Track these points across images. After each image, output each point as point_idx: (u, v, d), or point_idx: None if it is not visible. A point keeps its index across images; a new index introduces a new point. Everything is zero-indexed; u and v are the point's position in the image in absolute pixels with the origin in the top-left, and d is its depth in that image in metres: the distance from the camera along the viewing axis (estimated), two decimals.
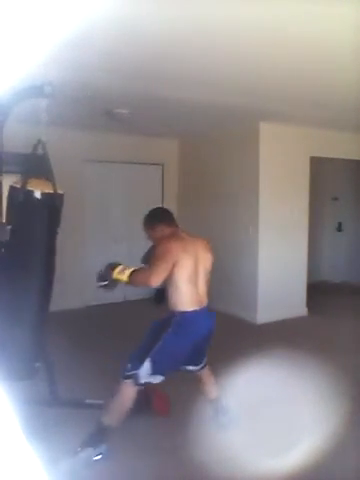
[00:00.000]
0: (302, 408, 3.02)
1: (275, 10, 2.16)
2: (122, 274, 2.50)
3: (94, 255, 5.97)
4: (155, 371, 2.46)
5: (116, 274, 2.52)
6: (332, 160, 6.14)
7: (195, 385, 2.89)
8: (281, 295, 5.37)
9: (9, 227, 2.65)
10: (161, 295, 6.00)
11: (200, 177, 6.32)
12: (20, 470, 0.91)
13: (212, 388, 2.87)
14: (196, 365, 2.78)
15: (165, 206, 6.78)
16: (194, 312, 2.54)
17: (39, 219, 2.66)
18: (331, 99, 3.99)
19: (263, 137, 5.17)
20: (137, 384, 2.48)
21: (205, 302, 2.64)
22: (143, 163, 6.45)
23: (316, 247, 6.86)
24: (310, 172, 5.60)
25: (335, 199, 7.69)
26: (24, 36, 2.35)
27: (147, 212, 2.74)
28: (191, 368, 2.77)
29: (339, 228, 7.77)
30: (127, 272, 2.49)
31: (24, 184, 2.57)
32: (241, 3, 2.08)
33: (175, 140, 6.68)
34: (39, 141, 2.65)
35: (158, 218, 2.69)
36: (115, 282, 2.58)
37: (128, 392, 2.50)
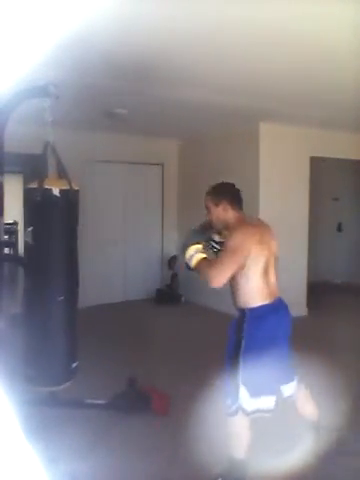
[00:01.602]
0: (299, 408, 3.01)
1: (275, 10, 2.15)
2: (192, 257, 2.20)
3: (94, 255, 5.98)
4: (254, 393, 2.13)
5: (188, 254, 2.22)
6: (332, 160, 6.14)
7: (195, 385, 2.89)
8: (281, 295, 5.33)
9: (31, 229, 2.62)
10: (162, 295, 5.98)
11: (200, 177, 6.31)
12: (20, 470, 0.91)
13: (309, 406, 2.51)
14: (288, 382, 2.37)
15: (165, 206, 6.81)
16: (266, 306, 2.22)
17: (60, 217, 2.65)
18: (331, 99, 3.99)
19: (263, 137, 5.17)
20: (248, 415, 2.16)
21: (277, 293, 2.34)
22: (143, 163, 6.45)
23: (316, 247, 6.86)
24: (310, 172, 5.60)
25: (335, 199, 7.69)
26: (24, 36, 2.35)
27: (214, 184, 2.45)
28: (287, 389, 2.38)
29: (339, 228, 7.76)
30: (197, 257, 2.19)
31: (41, 183, 2.57)
32: (241, 3, 2.08)
33: (175, 140, 6.68)
34: (48, 142, 2.66)
35: (225, 195, 2.34)
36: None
37: (241, 424, 2.19)
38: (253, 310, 2.21)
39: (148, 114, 4.80)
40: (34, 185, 2.59)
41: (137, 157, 6.27)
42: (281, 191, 5.36)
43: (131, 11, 2.12)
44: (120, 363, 3.80)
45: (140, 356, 4.07)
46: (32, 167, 2.79)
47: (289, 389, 2.39)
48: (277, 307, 2.30)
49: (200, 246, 2.25)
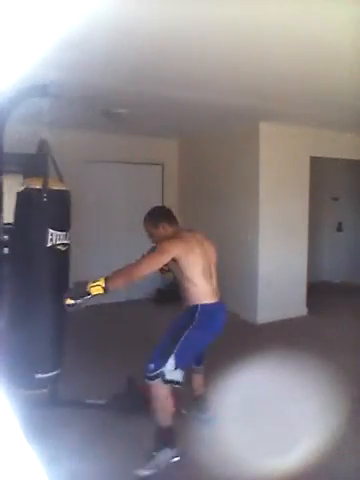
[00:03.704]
0: (302, 408, 3.02)
1: (275, 10, 2.15)
2: (96, 284, 2.39)
3: (94, 254, 5.98)
4: (178, 366, 2.47)
5: (90, 287, 2.39)
6: (332, 160, 6.14)
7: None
8: (281, 295, 5.36)
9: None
10: (162, 295, 5.98)
11: (200, 177, 6.33)
12: (20, 470, 0.91)
13: (202, 385, 2.99)
14: (200, 362, 2.88)
15: (165, 206, 6.80)
16: (214, 304, 2.62)
17: (46, 217, 2.67)
18: (331, 99, 3.98)
19: (263, 137, 5.17)
20: (164, 381, 2.46)
21: (219, 295, 2.70)
22: (143, 163, 6.45)
23: (316, 247, 6.86)
24: (310, 172, 5.60)
25: (335, 199, 7.69)
26: (23, 36, 2.35)
27: (148, 211, 2.77)
28: (195, 366, 2.88)
29: (339, 228, 7.76)
30: (101, 280, 2.40)
31: (45, 183, 2.59)
32: (241, 3, 2.08)
33: (175, 140, 6.68)
34: (43, 141, 2.66)
35: (161, 217, 2.71)
36: (87, 298, 2.42)
37: (161, 391, 2.49)
38: (204, 306, 2.59)
39: (148, 114, 4.79)
40: (23, 186, 2.63)
41: (137, 157, 6.27)
42: (281, 191, 5.36)
43: (131, 11, 2.12)
44: (120, 363, 3.80)
45: (140, 356, 4.06)
46: (32, 167, 2.79)
47: (197, 366, 2.91)
48: (221, 307, 2.69)
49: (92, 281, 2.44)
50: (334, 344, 4.48)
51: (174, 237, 2.60)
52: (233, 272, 5.50)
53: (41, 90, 2.56)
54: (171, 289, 6.55)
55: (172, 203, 6.77)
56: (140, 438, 2.72)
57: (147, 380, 2.49)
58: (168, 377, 2.45)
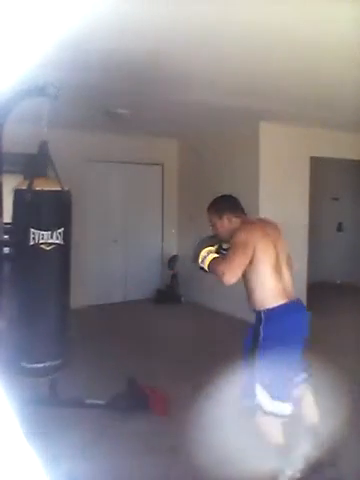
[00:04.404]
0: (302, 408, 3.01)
1: (275, 10, 2.15)
2: (204, 259, 2.21)
3: (94, 255, 5.98)
4: (274, 395, 2.11)
5: (201, 256, 2.22)
6: (332, 160, 6.14)
7: (195, 385, 2.88)
8: None
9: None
10: (162, 295, 5.99)
11: (200, 177, 6.32)
12: (20, 470, 0.91)
13: (312, 410, 2.43)
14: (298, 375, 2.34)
15: (165, 206, 6.81)
16: (283, 306, 2.18)
17: (29, 217, 2.73)
18: (332, 99, 3.98)
19: (263, 137, 5.17)
20: (267, 413, 2.14)
21: (293, 294, 2.28)
22: (143, 163, 6.45)
23: (316, 247, 6.85)
24: (310, 172, 5.59)
25: (335, 199, 7.69)
26: (23, 36, 2.35)
27: (213, 200, 2.50)
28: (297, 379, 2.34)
29: (339, 228, 7.76)
30: (209, 258, 2.19)
31: (30, 184, 2.60)
32: (241, 4, 2.08)
33: (175, 140, 6.68)
34: (43, 141, 2.67)
35: (226, 207, 2.40)
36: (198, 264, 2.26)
37: (266, 424, 2.20)
38: (269, 311, 2.17)
39: (148, 114, 4.79)
40: (23, 186, 2.65)
41: (137, 157, 6.27)
42: (281, 191, 5.36)
43: (131, 12, 2.12)
44: (120, 363, 3.80)
45: (140, 356, 4.07)
46: (32, 167, 2.81)
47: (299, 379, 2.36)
48: (294, 308, 2.25)
49: (212, 248, 2.27)
50: (334, 344, 4.48)
51: (246, 225, 2.28)
52: None
53: (41, 90, 2.56)
54: (171, 289, 6.56)
55: (172, 203, 6.80)
56: (140, 438, 2.72)
57: (253, 417, 2.21)
58: (269, 409, 2.13)
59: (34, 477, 0.91)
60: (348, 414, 2.90)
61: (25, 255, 2.80)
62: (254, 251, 2.14)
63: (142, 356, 4.07)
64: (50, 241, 2.76)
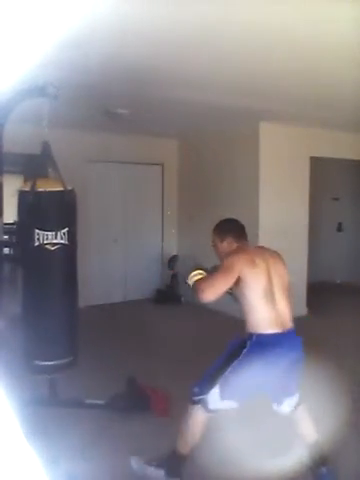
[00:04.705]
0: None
1: (275, 11, 2.15)
2: (192, 278, 2.32)
3: (94, 255, 5.98)
4: (224, 397, 2.21)
5: (190, 276, 2.33)
6: (332, 160, 6.14)
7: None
8: None
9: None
10: (162, 295, 5.97)
11: (200, 177, 6.32)
12: (20, 470, 0.91)
13: (309, 429, 2.42)
14: (280, 402, 2.36)
15: (165, 206, 6.81)
16: (274, 335, 2.21)
17: (33, 218, 2.72)
18: (332, 99, 3.99)
19: (263, 137, 5.17)
20: (207, 411, 2.24)
21: (289, 324, 2.29)
22: (143, 163, 6.46)
23: (316, 247, 6.86)
24: (310, 172, 5.60)
25: (335, 199, 7.69)
26: (24, 36, 2.35)
27: (219, 222, 2.57)
28: (278, 407, 2.38)
29: (339, 228, 7.76)
30: (197, 277, 2.30)
31: (34, 185, 2.60)
32: (241, 3, 2.08)
33: (175, 140, 6.68)
34: (45, 142, 2.67)
35: (228, 230, 2.48)
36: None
37: (198, 418, 2.27)
38: (260, 336, 2.21)
39: (148, 114, 4.79)
40: (27, 187, 2.65)
41: (137, 157, 6.26)
42: (281, 191, 5.36)
43: (131, 12, 2.12)
44: (120, 363, 3.80)
45: (140, 356, 4.07)
46: (33, 167, 2.81)
47: (280, 407, 2.38)
48: (285, 338, 2.25)
49: (202, 272, 2.34)
50: (334, 344, 4.48)
51: (237, 251, 2.36)
52: None
53: (41, 90, 2.56)
54: (171, 289, 6.57)
55: (172, 203, 6.81)
56: (140, 438, 2.72)
57: (190, 402, 2.30)
58: (212, 407, 2.23)
59: (34, 477, 0.91)
60: (348, 414, 2.90)
61: (30, 256, 2.81)
62: (242, 277, 2.21)
63: (142, 356, 4.07)
64: (55, 241, 2.76)
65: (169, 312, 5.89)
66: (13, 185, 2.89)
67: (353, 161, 6.22)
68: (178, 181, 6.82)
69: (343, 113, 4.54)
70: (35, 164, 2.78)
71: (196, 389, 2.29)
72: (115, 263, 6.37)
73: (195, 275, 2.31)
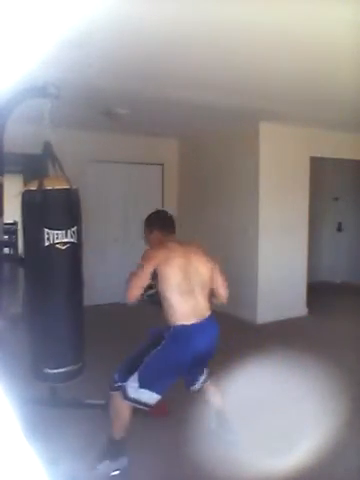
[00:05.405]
0: (302, 408, 3.02)
1: (275, 10, 2.16)
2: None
3: (94, 254, 5.97)
4: (142, 385, 2.26)
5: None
6: (332, 160, 6.14)
7: None
8: (281, 295, 5.36)
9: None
10: (154, 296, 5.89)
11: (200, 177, 6.33)
12: (20, 470, 0.91)
13: (216, 397, 2.66)
14: (193, 383, 2.59)
15: (165, 206, 6.80)
16: (190, 326, 2.32)
17: (41, 217, 2.68)
18: (331, 99, 3.99)
19: (263, 137, 5.17)
20: (127, 398, 2.28)
21: (205, 313, 2.40)
22: (143, 163, 6.45)
23: (316, 247, 6.86)
24: (310, 172, 5.60)
25: (335, 199, 7.69)
26: (24, 36, 2.35)
27: (151, 212, 2.66)
28: (192, 386, 2.61)
29: (339, 228, 7.76)
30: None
31: (40, 184, 2.59)
32: (241, 4, 2.08)
33: (175, 140, 6.68)
34: (47, 142, 2.67)
35: (155, 222, 2.57)
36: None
37: (118, 404, 2.34)
38: (177, 328, 2.32)
39: (148, 114, 4.80)
40: (33, 187, 2.62)
41: (137, 157, 6.26)
42: (281, 191, 5.36)
43: (131, 12, 2.12)
44: (119, 363, 3.79)
45: None
46: (36, 167, 2.80)
47: (193, 386, 2.61)
48: (201, 327, 2.36)
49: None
50: (334, 344, 4.48)
51: (157, 246, 2.43)
52: (233, 272, 5.49)
53: (41, 90, 2.56)
54: None
55: (172, 203, 6.80)
56: (139, 438, 2.72)
57: (109, 389, 2.38)
58: (131, 395, 2.27)
59: (33, 477, 0.91)
60: (347, 412, 2.90)
61: (40, 256, 2.71)
62: (158, 272, 2.29)
63: None
64: (65, 240, 2.71)
65: None
66: (14, 185, 2.87)
67: (353, 161, 6.22)
68: (178, 181, 6.83)
69: (343, 113, 4.55)
70: (37, 164, 2.77)
71: (115, 376, 2.37)
72: (116, 263, 6.36)
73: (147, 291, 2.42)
